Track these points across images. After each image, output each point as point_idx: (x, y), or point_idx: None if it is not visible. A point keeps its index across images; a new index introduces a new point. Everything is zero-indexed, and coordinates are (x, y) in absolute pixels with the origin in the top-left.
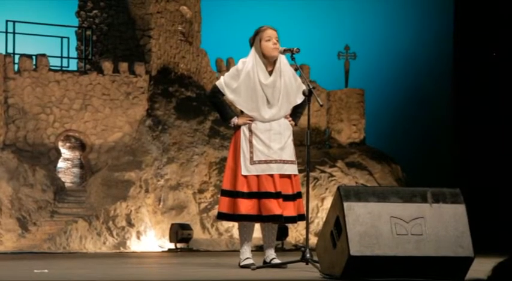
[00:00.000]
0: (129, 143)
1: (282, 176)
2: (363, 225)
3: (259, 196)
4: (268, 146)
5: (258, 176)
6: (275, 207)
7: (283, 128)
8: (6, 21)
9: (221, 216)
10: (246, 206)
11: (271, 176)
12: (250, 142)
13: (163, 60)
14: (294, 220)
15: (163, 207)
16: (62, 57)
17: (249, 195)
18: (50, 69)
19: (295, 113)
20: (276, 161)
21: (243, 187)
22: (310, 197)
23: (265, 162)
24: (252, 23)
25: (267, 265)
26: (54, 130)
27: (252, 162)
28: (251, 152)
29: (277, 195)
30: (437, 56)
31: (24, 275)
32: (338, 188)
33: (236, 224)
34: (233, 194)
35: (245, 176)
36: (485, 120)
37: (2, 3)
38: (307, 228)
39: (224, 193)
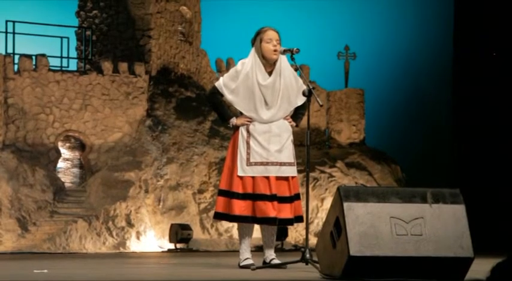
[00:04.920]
0: (129, 143)
1: (279, 178)
2: (363, 225)
3: (254, 197)
4: (266, 148)
5: (253, 177)
6: (269, 209)
7: (282, 129)
8: (6, 21)
9: (217, 216)
10: (239, 207)
11: (267, 178)
12: (248, 143)
13: (163, 61)
14: (290, 222)
15: (163, 207)
16: (61, 57)
17: (244, 196)
18: (50, 70)
19: (297, 114)
20: (273, 164)
21: (238, 188)
22: (310, 197)
23: (262, 164)
24: (252, 23)
25: (266, 265)
26: (54, 130)
27: (249, 163)
28: (248, 154)
29: (271, 197)
30: (437, 56)
31: (23, 276)
32: (338, 189)
33: (236, 225)
34: (228, 194)
35: (241, 177)
36: (485, 120)
37: (2, 4)
38: (306, 228)
39: (220, 192)
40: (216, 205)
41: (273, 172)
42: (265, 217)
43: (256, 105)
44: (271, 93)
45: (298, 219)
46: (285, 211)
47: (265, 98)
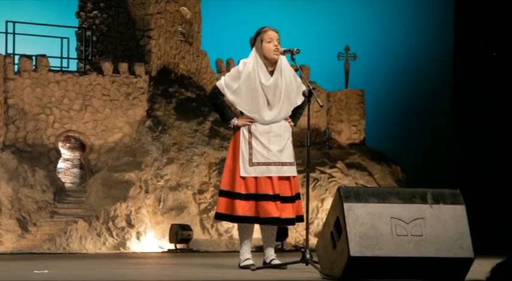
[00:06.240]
0: (129, 144)
1: (280, 178)
2: (363, 226)
3: (257, 197)
4: (268, 148)
5: (256, 178)
6: (273, 209)
7: (282, 130)
8: (6, 21)
9: (219, 216)
10: (243, 208)
11: (270, 178)
12: (250, 144)
13: (163, 61)
14: (292, 221)
15: (163, 208)
16: (61, 57)
17: (246, 197)
18: (50, 70)
19: (295, 113)
20: (275, 164)
21: (240, 188)
22: (310, 198)
23: (264, 164)
24: (252, 23)
25: (266, 265)
26: (54, 131)
27: (251, 164)
28: (250, 154)
29: (275, 197)
30: (437, 56)
31: (24, 276)
32: (338, 189)
33: (236, 225)
34: (231, 195)
35: (243, 178)
36: (485, 120)
37: (2, 4)
38: (307, 229)
39: (222, 193)
40: (217, 205)
41: (274, 172)
42: (269, 217)
43: (259, 106)
44: (273, 94)
45: (299, 218)
46: (287, 211)
47: (267, 98)
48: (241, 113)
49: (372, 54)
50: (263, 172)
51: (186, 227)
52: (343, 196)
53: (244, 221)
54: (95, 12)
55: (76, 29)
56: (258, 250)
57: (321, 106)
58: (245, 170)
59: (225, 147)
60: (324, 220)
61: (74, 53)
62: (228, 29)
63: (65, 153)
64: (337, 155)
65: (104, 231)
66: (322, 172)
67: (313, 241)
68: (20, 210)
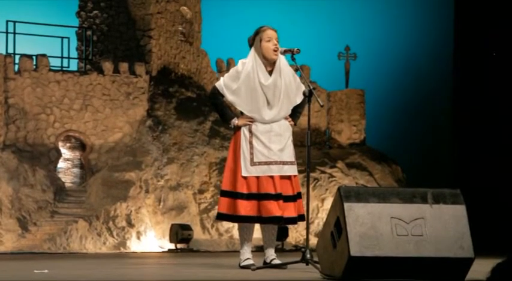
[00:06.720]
0: (129, 144)
1: (282, 177)
2: (363, 226)
3: (259, 197)
4: (268, 147)
5: (258, 177)
6: (275, 208)
7: (283, 129)
8: (7, 21)
9: (221, 216)
10: (245, 208)
11: (272, 177)
12: (251, 143)
13: (163, 61)
14: (294, 220)
15: (163, 207)
16: (62, 57)
17: (248, 196)
18: (50, 70)
19: (295, 113)
20: (276, 163)
21: (242, 188)
22: (310, 197)
23: (266, 163)
24: (252, 23)
25: (267, 265)
26: (55, 130)
27: (252, 163)
28: (251, 154)
29: (277, 196)
30: (437, 56)
31: (24, 276)
32: (338, 189)
33: (236, 225)
34: (233, 195)
35: (245, 177)
36: (485, 120)
37: (2, 4)
38: (307, 229)
39: (224, 193)
40: (218, 205)
41: (276, 171)
42: (271, 216)
43: (259, 106)
44: (273, 93)
45: (301, 218)
46: (289, 210)
47: (267, 98)
48: (241, 113)
49: (372, 54)
50: (264, 171)
51: (186, 227)
52: (344, 195)
53: (246, 221)
54: (95, 12)
55: (76, 29)
56: (258, 250)
57: (322, 106)
58: (246, 169)
59: (226, 147)
60: (324, 219)
61: (74, 53)
62: (228, 29)
63: (65, 153)
64: (337, 155)
65: (104, 231)
66: (323, 172)
67: (313, 240)
68: (20, 210)
